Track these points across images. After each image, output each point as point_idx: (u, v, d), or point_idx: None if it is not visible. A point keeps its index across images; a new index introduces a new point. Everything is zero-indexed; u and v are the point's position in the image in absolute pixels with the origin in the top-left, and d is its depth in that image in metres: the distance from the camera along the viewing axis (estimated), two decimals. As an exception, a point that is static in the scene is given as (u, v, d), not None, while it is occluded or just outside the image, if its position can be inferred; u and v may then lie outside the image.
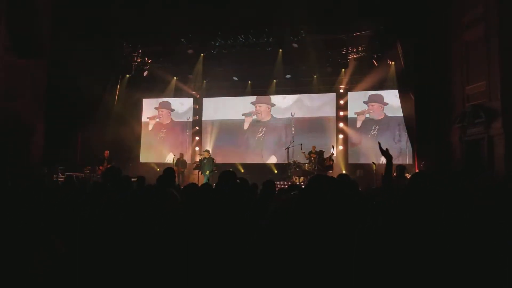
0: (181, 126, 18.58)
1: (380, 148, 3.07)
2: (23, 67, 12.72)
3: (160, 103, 18.71)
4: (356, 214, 2.71)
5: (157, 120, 18.78)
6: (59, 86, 13.22)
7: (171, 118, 18.81)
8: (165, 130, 18.71)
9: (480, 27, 11.02)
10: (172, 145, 18.17)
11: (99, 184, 4.01)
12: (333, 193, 2.60)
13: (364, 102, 16.41)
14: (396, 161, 14.47)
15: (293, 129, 16.80)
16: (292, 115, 16.92)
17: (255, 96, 17.72)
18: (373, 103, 16.29)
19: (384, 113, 16.09)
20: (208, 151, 14.55)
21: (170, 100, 18.60)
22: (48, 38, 12.52)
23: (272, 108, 17.66)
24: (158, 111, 18.81)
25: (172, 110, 18.80)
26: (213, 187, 4.68)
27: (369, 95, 16.26)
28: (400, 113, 14.47)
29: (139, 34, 15.52)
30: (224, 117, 18.08)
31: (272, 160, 17.10)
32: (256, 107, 17.72)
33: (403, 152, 15.28)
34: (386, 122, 16.01)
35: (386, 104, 16.05)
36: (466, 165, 11.28)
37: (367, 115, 16.36)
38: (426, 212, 1.74)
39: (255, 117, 17.77)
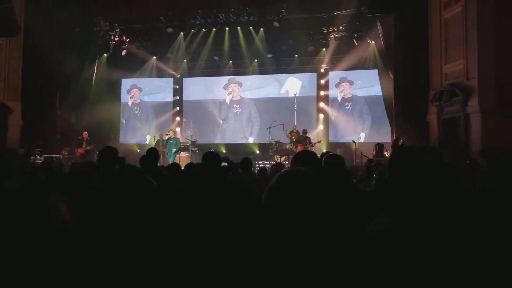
0: (162, 106, 18.33)
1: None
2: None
3: (139, 81, 18.40)
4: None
5: (133, 100, 18.50)
6: (34, 65, 12.87)
7: (152, 98, 18.56)
8: (144, 109, 18.49)
9: (459, 6, 11.14)
10: (152, 125, 18.00)
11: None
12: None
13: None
14: (374, 139, 14.66)
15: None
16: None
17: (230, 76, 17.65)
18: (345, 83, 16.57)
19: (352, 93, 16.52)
20: (172, 130, 14.11)
21: (150, 80, 18.28)
22: (22, 16, 12.14)
23: (248, 88, 17.59)
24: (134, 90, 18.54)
25: (152, 89, 18.54)
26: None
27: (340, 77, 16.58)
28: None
29: (116, 12, 15.13)
30: (205, 97, 17.93)
31: (251, 140, 17.11)
32: (228, 88, 17.63)
33: (380, 130, 15.49)
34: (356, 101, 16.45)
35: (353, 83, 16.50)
36: (442, 142, 11.55)
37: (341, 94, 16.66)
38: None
39: (232, 96, 17.66)
